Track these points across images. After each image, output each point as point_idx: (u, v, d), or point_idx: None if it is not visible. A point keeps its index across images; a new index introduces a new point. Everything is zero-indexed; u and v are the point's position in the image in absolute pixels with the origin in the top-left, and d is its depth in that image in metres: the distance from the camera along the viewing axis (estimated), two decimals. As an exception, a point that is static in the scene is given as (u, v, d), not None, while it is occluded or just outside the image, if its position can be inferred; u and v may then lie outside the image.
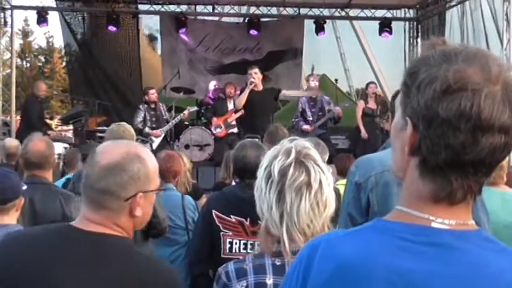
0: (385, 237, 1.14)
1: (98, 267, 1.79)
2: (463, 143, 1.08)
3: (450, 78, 1.07)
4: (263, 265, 2.05)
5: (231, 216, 3.32)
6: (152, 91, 11.02)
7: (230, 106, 10.93)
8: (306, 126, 10.78)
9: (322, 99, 10.97)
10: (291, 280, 1.21)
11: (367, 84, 11.70)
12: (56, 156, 4.79)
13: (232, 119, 10.59)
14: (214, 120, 10.97)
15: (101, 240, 1.86)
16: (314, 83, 11.15)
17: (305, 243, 1.96)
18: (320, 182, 1.99)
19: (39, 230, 2.10)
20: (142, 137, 10.31)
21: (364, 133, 11.04)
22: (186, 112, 11.04)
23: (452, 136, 1.08)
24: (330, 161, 4.98)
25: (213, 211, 3.38)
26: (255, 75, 9.32)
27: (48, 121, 17.25)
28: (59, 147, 13.83)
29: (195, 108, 11.58)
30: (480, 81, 1.07)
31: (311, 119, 10.86)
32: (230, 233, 3.32)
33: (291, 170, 1.98)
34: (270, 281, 2.02)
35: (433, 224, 1.13)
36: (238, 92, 10.50)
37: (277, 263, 2.03)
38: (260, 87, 9.43)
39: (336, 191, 2.21)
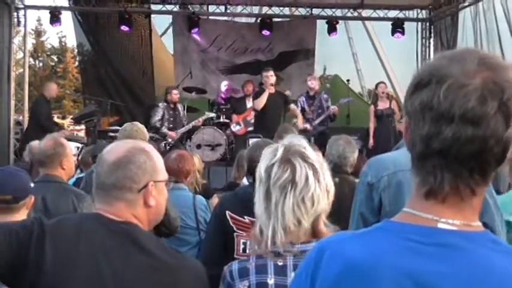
0: (393, 238, 1.14)
1: (131, 252, 1.88)
2: (427, 133, 1.10)
3: (421, 73, 1.13)
4: (265, 265, 2.04)
5: (245, 217, 3.30)
6: (175, 91, 11.08)
7: (249, 104, 10.99)
8: (305, 125, 10.77)
9: (320, 97, 10.90)
10: (300, 281, 1.22)
11: (377, 85, 11.61)
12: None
13: (251, 117, 10.67)
14: (234, 117, 11.08)
15: (128, 227, 1.93)
16: (311, 83, 10.99)
17: (291, 242, 1.98)
18: (306, 179, 1.98)
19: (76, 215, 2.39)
20: (157, 136, 10.34)
21: (371, 142, 10.96)
22: (200, 119, 11.13)
23: (421, 127, 1.11)
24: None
25: (227, 212, 3.35)
26: (271, 78, 9.49)
27: (60, 121, 17.34)
28: (72, 147, 13.88)
29: (212, 114, 11.60)
30: (448, 73, 1.09)
31: (311, 116, 10.84)
32: (244, 234, 3.30)
33: (275, 168, 2.00)
34: (271, 281, 2.02)
35: (439, 225, 1.13)
36: (254, 91, 10.59)
37: (279, 263, 2.02)
38: (273, 90, 9.59)
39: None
